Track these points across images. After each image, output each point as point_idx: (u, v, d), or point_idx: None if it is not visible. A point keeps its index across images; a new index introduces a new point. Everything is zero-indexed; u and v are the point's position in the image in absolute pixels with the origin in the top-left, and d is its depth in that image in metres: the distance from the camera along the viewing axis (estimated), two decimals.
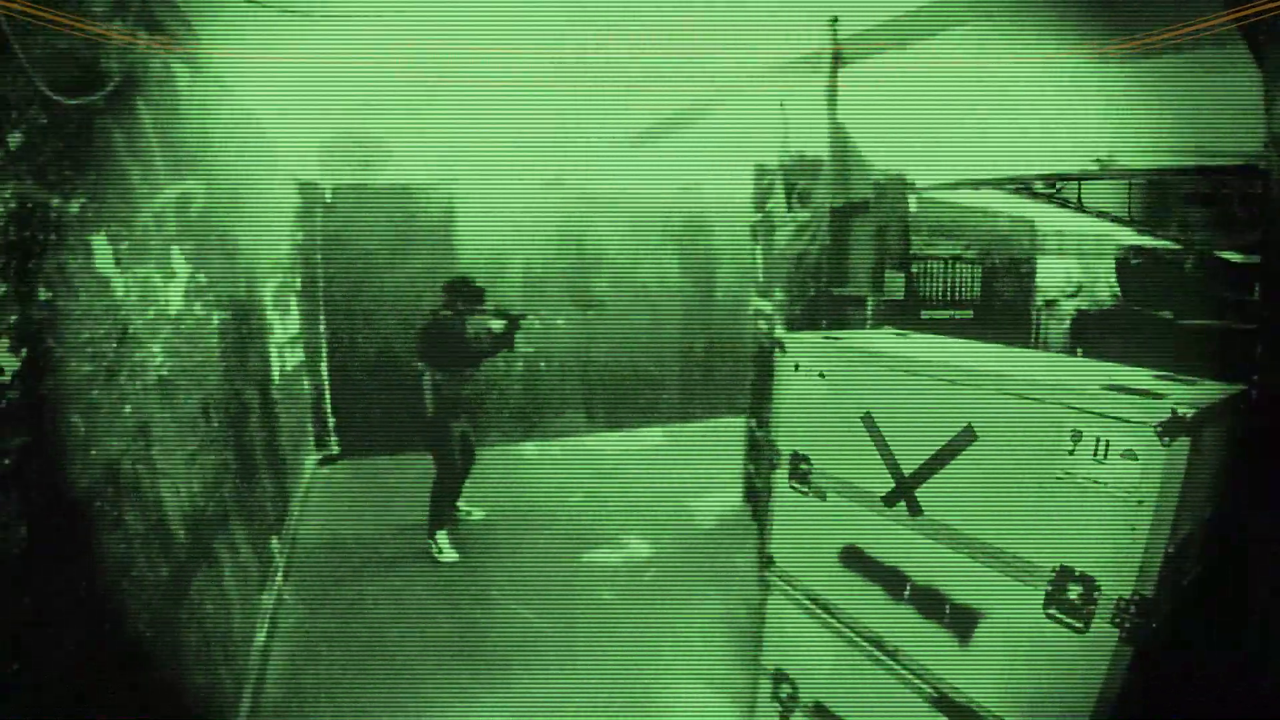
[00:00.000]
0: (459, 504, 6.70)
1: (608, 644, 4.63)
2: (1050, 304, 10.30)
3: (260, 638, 4.31)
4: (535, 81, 6.34)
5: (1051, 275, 11.46)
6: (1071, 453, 2.02)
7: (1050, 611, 2.09)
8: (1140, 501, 1.88)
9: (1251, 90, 2.24)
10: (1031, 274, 9.93)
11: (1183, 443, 1.79)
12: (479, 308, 6.30)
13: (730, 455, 7.61)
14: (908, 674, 2.59)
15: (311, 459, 8.20)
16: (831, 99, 5.00)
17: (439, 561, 5.88)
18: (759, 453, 6.65)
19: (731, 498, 7.25)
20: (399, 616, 5.00)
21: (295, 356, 7.54)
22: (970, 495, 2.35)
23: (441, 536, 6.06)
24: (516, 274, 9.46)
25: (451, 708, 4.05)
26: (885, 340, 3.16)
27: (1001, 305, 8.76)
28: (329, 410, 8.66)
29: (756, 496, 6.61)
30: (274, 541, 5.30)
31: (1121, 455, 1.90)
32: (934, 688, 2.49)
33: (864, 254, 5.39)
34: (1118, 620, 1.94)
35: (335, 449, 8.67)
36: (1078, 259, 12.72)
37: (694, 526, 6.76)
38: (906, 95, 6.18)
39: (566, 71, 6.09)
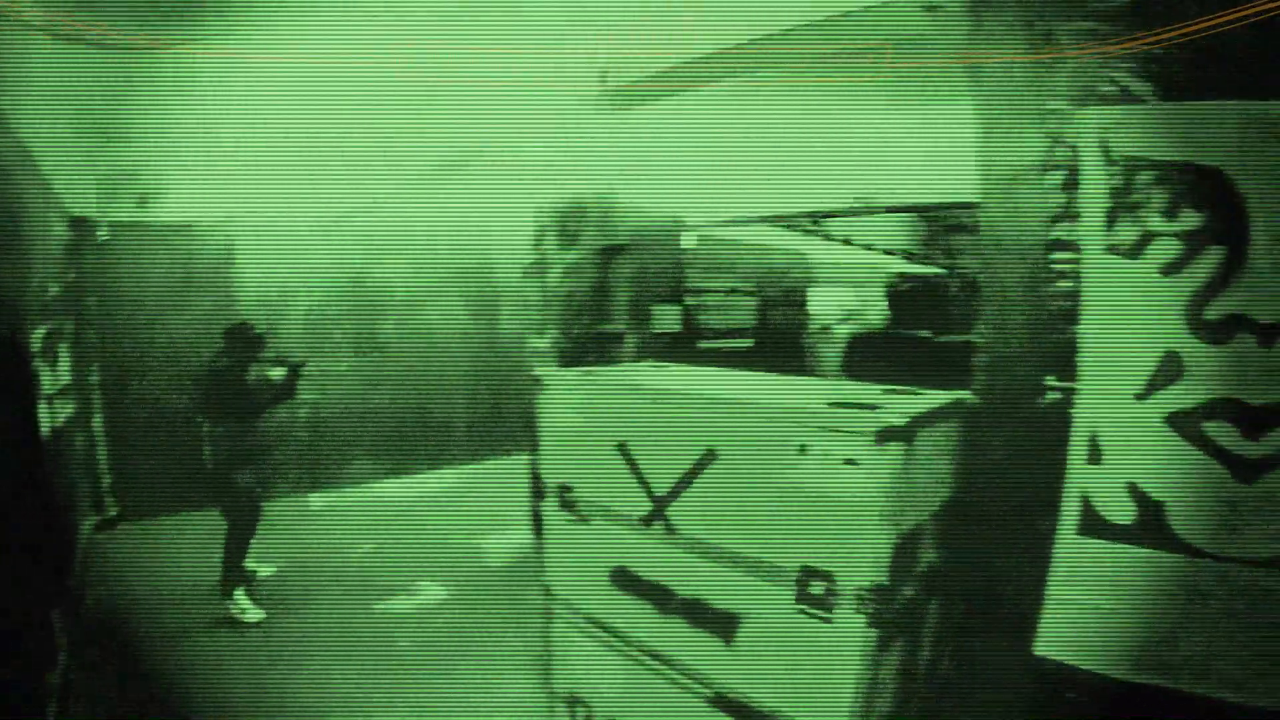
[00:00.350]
0: (245, 562, 6.11)
1: (409, 692, 4.62)
2: (824, 330, 10.87)
3: None
4: (316, 124, 6.37)
5: (823, 304, 12.19)
6: (802, 464, 2.27)
7: (800, 607, 2.33)
8: (864, 501, 2.15)
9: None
10: (804, 303, 10.57)
11: (896, 447, 2.08)
12: (259, 355, 6.07)
13: (518, 493, 7.68)
14: (687, 680, 2.77)
15: (89, 523, 7.54)
16: (599, 146, 5.28)
17: (242, 621, 5.52)
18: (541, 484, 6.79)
19: (521, 534, 7.33)
20: (196, 688, 4.76)
21: (66, 410, 6.82)
22: (717, 510, 2.59)
23: (240, 595, 5.70)
24: (299, 317, 9.23)
25: None
26: (639, 373, 3.41)
27: (778, 334, 9.25)
28: (104, 469, 7.94)
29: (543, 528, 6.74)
30: (55, 617, 4.77)
31: (844, 462, 2.16)
32: (711, 689, 2.68)
33: (626, 293, 5.67)
34: (860, 608, 2.20)
35: (113, 511, 7.97)
36: (850, 288, 13.60)
37: (485, 566, 6.82)
38: (681, 142, 6.56)
39: (349, 113, 6.12)
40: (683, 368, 3.68)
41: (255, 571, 6.36)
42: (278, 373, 6.16)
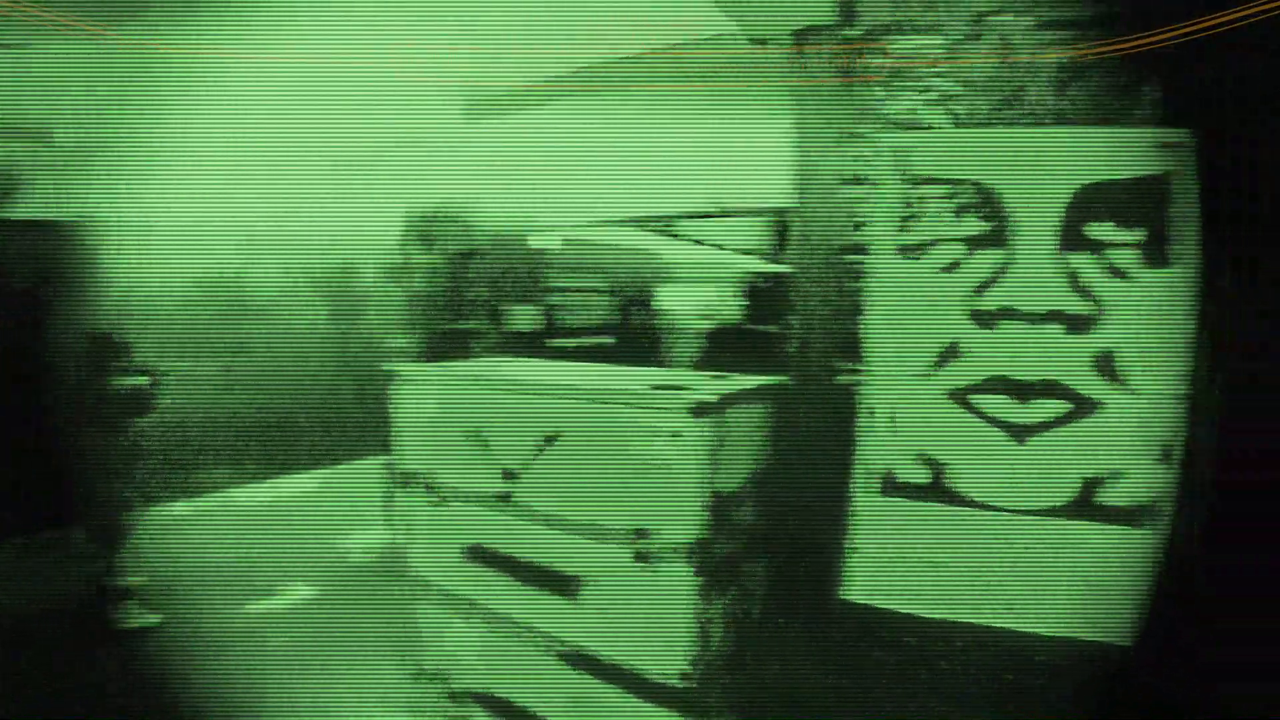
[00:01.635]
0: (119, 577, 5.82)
1: (288, 684, 4.75)
2: (679, 327, 11.23)
3: None
4: (188, 129, 6.56)
5: (678, 301, 12.60)
6: (630, 439, 2.62)
7: (635, 564, 2.68)
8: (683, 467, 2.52)
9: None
10: (659, 301, 10.95)
11: (708, 420, 2.45)
12: (122, 363, 5.82)
13: (376, 492, 7.88)
14: (541, 640, 3.07)
15: None
16: (460, 156, 5.57)
17: (144, 627, 5.36)
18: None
19: (380, 532, 7.55)
20: (75, 695, 4.68)
21: None
22: (561, 484, 2.92)
23: (132, 605, 5.47)
24: (162, 319, 9.03)
25: None
26: (490, 367, 3.72)
27: (636, 331, 9.60)
28: None
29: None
30: None
31: (670, 435, 2.53)
32: (564, 645, 2.99)
33: (479, 294, 5.97)
34: (685, 560, 2.57)
35: None
36: (704, 286, 14.01)
37: (349, 563, 6.96)
38: (537, 150, 6.87)
39: (218, 120, 6.21)
40: (532, 362, 3.99)
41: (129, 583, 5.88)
42: (139, 381, 5.89)
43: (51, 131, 6.64)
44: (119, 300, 8.64)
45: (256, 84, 5.23)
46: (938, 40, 2.71)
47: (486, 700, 3.41)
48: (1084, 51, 2.48)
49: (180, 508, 8.96)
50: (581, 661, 2.94)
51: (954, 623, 2.75)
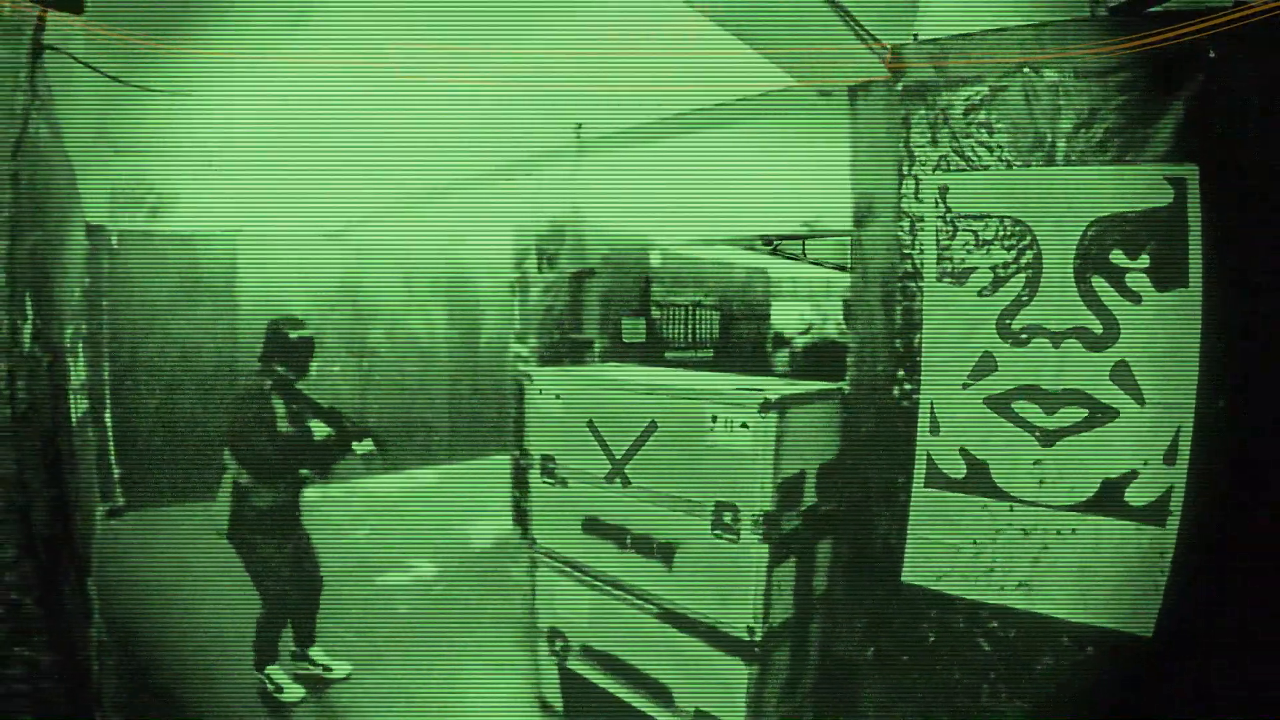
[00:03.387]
0: (311, 652, 4.95)
1: (408, 646, 5.31)
2: (783, 341, 11.52)
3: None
4: (318, 143, 6.97)
5: (785, 316, 12.92)
6: (712, 429, 3.24)
7: (715, 533, 3.27)
8: (753, 453, 3.12)
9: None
10: (766, 316, 11.30)
11: (772, 416, 3.05)
12: (299, 376, 4.72)
13: (498, 487, 8.38)
14: (640, 601, 3.66)
15: (100, 509, 7.86)
16: (574, 183, 6.18)
17: (276, 699, 4.58)
18: (524, 479, 7.52)
19: (502, 522, 8.05)
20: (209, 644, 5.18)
21: (82, 404, 6.96)
22: (658, 465, 3.54)
23: (275, 672, 4.65)
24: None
25: None
26: (603, 370, 4.50)
27: (738, 344, 10.00)
28: (113, 461, 8.27)
29: (524, 517, 7.50)
30: (90, 584, 4.87)
31: (740, 426, 3.13)
32: (658, 606, 3.58)
33: (595, 308, 6.58)
34: (755, 529, 3.15)
35: (121, 500, 8.31)
36: (810, 301, 14.35)
37: (471, 548, 7.61)
38: (652, 175, 7.44)
39: (349, 137, 6.80)
40: (638, 367, 4.66)
41: (327, 668, 4.94)
42: (322, 432, 4.66)
43: (207, 148, 7.22)
44: (259, 303, 9.36)
45: (389, 105, 5.75)
46: (978, 90, 3.13)
47: (592, 653, 4.01)
48: (1112, 47, 2.84)
49: (310, 491, 9.63)
50: (671, 618, 3.53)
51: (995, 606, 3.14)
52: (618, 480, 3.70)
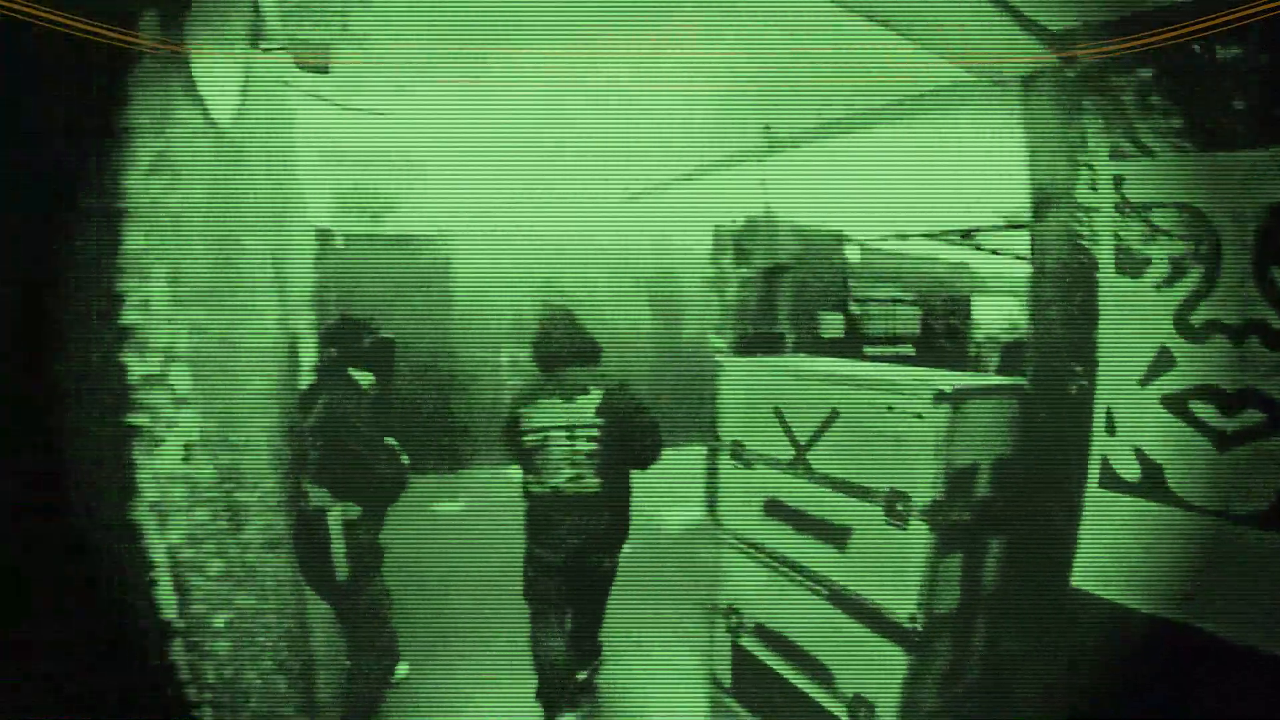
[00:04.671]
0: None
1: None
2: (986, 337, 11.30)
3: None
4: (524, 146, 7.35)
5: (989, 312, 12.61)
6: (889, 419, 3.37)
7: (887, 519, 3.40)
8: (926, 443, 3.23)
9: None
10: (969, 311, 11.11)
11: (946, 407, 3.16)
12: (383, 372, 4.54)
13: (693, 475, 8.55)
14: (812, 583, 3.83)
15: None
16: (766, 181, 6.40)
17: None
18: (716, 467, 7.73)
19: (696, 509, 8.32)
20: None
21: None
22: (839, 453, 3.68)
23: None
24: (504, 321, 10.42)
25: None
26: (791, 361, 4.71)
27: (939, 340, 9.90)
28: None
29: (716, 504, 7.68)
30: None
31: (914, 416, 3.25)
32: (829, 588, 3.73)
33: (787, 303, 6.77)
34: (924, 518, 3.26)
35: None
36: (1015, 298, 13.92)
37: (664, 532, 7.93)
38: (838, 171, 7.57)
39: (558, 143, 7.20)
40: (823, 359, 4.86)
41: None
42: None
43: (419, 154, 7.76)
44: (472, 298, 9.98)
45: (582, 102, 5.92)
46: (1148, 71, 3.04)
47: (764, 631, 4.22)
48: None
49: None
50: (841, 601, 3.68)
51: (1159, 617, 3.01)
52: (800, 466, 3.88)
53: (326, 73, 3.48)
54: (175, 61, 2.37)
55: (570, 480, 4.21)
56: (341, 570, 3.95)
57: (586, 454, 4.21)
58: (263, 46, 2.87)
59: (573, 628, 4.58)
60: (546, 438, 4.22)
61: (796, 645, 3.96)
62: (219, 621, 2.56)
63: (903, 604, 3.35)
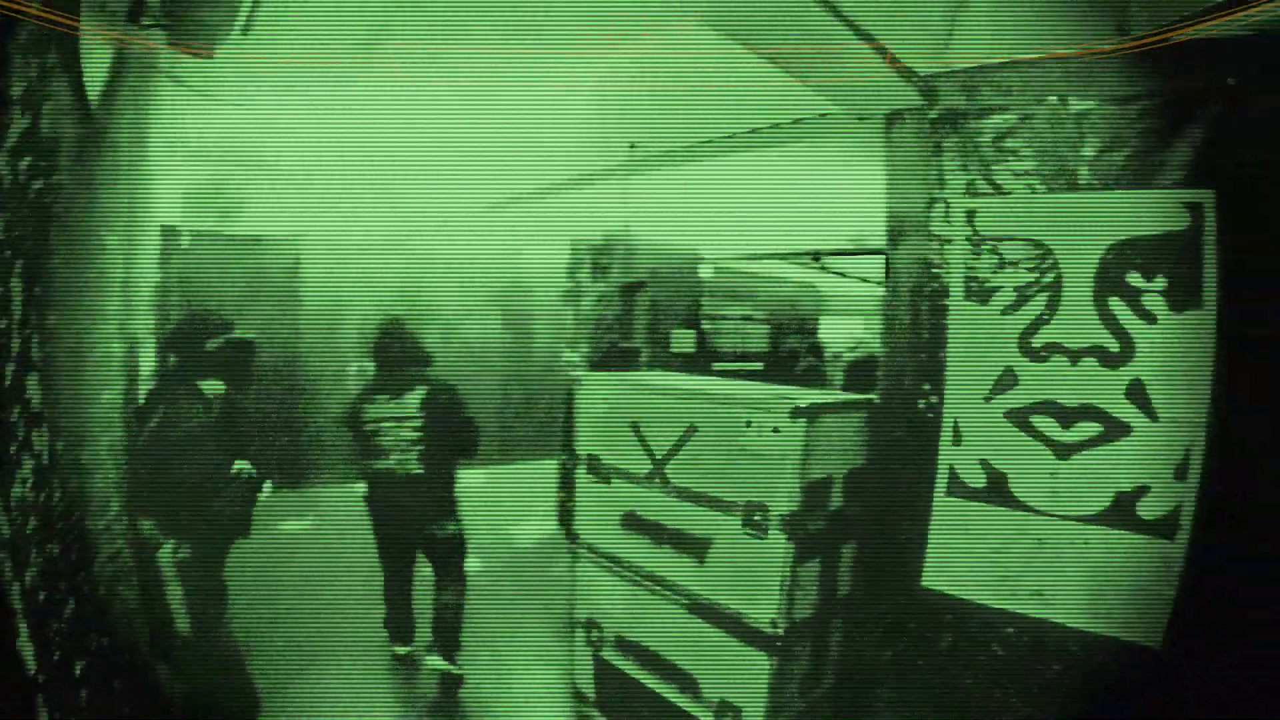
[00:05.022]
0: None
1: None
2: (829, 355, 11.59)
3: None
4: (379, 148, 7.16)
5: (833, 330, 12.99)
6: (746, 433, 3.44)
7: (746, 530, 3.47)
8: (783, 456, 3.31)
9: None
10: (814, 331, 11.43)
11: (802, 422, 3.25)
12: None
13: (544, 490, 8.51)
14: (671, 594, 3.87)
15: None
16: (627, 198, 6.45)
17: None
18: (569, 480, 7.72)
19: (546, 524, 8.24)
20: None
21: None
22: (697, 466, 3.73)
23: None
24: (353, 328, 10.07)
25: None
26: (649, 376, 4.79)
27: (787, 358, 10.15)
28: None
29: (568, 518, 7.68)
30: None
31: (771, 430, 3.33)
32: (690, 599, 3.78)
33: (643, 319, 6.86)
34: (782, 528, 3.34)
35: None
36: (858, 317, 14.40)
37: (515, 546, 7.82)
38: (700, 192, 7.68)
39: (416, 147, 7.04)
40: (680, 374, 4.90)
41: None
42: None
43: (272, 153, 7.51)
44: (320, 304, 9.69)
45: (442, 105, 5.77)
46: (1006, 118, 3.32)
47: (625, 644, 4.23)
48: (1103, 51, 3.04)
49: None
50: (702, 611, 3.73)
51: (1010, 613, 3.32)
52: (657, 479, 3.92)
53: (210, 58, 3.27)
54: (56, 34, 2.21)
55: (399, 463, 4.85)
56: (181, 621, 3.35)
57: (411, 441, 4.83)
58: (144, 22, 2.73)
59: (435, 574, 5.11)
60: (379, 427, 4.85)
61: (659, 656, 4.00)
62: (78, 669, 2.34)
63: (764, 610, 3.44)
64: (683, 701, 3.86)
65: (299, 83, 5.31)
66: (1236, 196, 2.81)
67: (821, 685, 3.86)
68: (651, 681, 4.05)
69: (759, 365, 9.66)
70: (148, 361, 4.15)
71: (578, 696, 4.66)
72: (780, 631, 3.40)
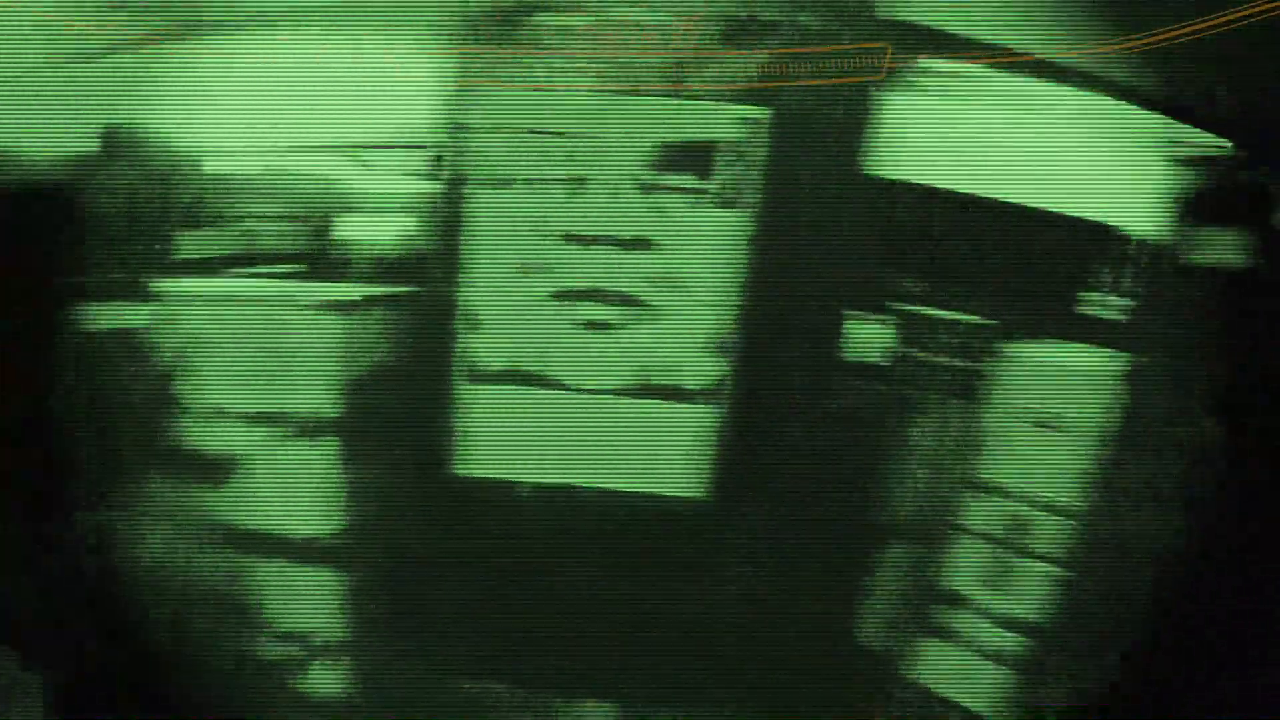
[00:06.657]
0: None
1: None
2: (367, 252, 11.23)
3: None
4: None
5: (373, 228, 12.63)
6: (273, 332, 3.26)
7: (286, 442, 3.27)
8: (315, 353, 3.23)
9: None
10: (349, 227, 11.02)
11: (333, 315, 3.23)
12: None
13: None
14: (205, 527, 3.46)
15: None
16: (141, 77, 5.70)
17: None
18: None
19: None
20: None
21: None
22: (224, 380, 3.39)
23: None
24: None
25: None
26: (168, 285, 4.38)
27: (323, 256, 9.67)
28: None
29: None
30: None
31: (300, 329, 3.20)
32: (224, 529, 3.42)
33: (158, 216, 6.22)
34: (328, 433, 3.20)
35: None
36: (397, 215, 14.11)
37: None
38: (223, 76, 6.94)
39: None
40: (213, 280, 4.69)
41: None
42: None
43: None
44: None
45: None
46: (578, 17, 3.19)
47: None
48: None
49: None
50: (241, 537, 3.40)
51: (557, 485, 3.42)
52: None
53: None
54: None
55: None
56: None
57: None
58: None
59: None
60: None
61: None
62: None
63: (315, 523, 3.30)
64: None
65: None
66: (788, 113, 3.05)
67: (387, 589, 3.66)
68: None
69: (299, 265, 9.16)
70: None
71: None
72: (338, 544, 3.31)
